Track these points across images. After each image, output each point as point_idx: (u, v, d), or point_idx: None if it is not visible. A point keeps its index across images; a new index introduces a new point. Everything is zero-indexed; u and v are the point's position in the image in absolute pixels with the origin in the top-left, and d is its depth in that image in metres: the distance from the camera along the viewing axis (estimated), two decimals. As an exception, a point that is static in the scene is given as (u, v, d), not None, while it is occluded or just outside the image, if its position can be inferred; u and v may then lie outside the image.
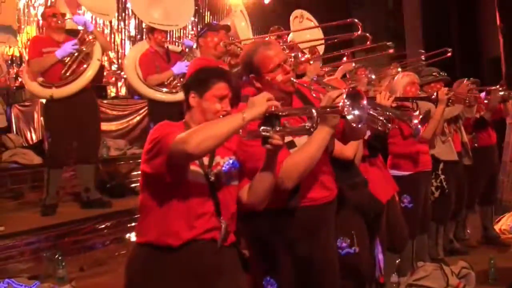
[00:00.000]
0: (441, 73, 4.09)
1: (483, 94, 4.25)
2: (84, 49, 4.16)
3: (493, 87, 4.44)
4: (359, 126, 1.68)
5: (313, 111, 1.63)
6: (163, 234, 1.78)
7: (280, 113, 1.68)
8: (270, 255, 2.08)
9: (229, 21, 5.01)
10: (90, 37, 4.17)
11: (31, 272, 3.40)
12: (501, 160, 5.25)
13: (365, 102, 1.68)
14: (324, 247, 2.17)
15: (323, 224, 2.15)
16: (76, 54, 4.13)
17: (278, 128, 1.66)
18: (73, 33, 4.40)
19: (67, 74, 4.13)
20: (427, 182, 3.63)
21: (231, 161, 1.92)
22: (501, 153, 4.81)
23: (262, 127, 1.66)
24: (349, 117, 1.65)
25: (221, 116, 1.83)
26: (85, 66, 4.19)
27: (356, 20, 2.85)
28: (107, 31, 7.58)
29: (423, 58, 4.69)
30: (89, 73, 4.22)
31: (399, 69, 4.07)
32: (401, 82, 3.46)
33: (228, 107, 1.87)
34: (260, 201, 1.90)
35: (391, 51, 3.94)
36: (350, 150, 2.48)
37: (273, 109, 1.67)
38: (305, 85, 2.17)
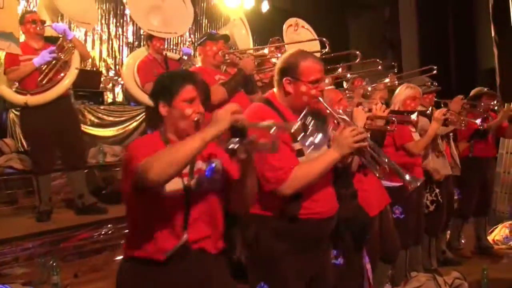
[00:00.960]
0: (433, 83, 4.13)
1: (479, 121, 4.21)
2: (62, 57, 4.10)
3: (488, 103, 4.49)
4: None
5: (273, 129, 1.63)
6: (148, 249, 1.77)
7: (246, 127, 1.65)
8: (268, 261, 2.10)
9: (227, 30, 5.06)
10: (69, 45, 4.11)
11: (25, 278, 3.39)
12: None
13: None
14: (322, 260, 2.23)
15: (324, 237, 2.21)
16: (53, 61, 4.06)
17: (244, 142, 1.65)
18: (51, 40, 4.32)
19: (44, 81, 4.06)
20: (419, 193, 3.65)
21: (213, 165, 1.88)
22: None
23: (230, 140, 1.65)
24: (308, 140, 1.73)
25: (195, 119, 1.80)
26: (62, 74, 4.14)
27: (324, 39, 2.86)
28: (104, 37, 7.61)
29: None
30: (66, 81, 4.17)
31: (396, 82, 4.09)
32: (403, 94, 3.48)
33: (199, 108, 1.83)
34: (243, 207, 1.94)
35: (379, 67, 3.98)
36: None
37: (238, 123, 1.63)
38: (328, 108, 2.16)
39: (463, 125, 3.69)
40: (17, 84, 4.14)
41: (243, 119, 1.65)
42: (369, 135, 2.08)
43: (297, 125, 1.71)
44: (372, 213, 2.92)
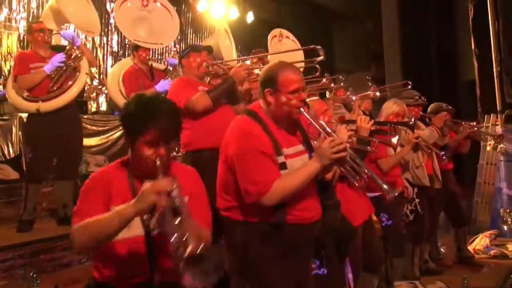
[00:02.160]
0: (421, 97, 4.23)
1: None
2: (71, 63, 4.17)
3: (469, 123, 4.60)
4: None
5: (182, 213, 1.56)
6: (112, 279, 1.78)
7: (177, 206, 1.57)
8: (254, 266, 2.13)
9: (212, 41, 5.09)
10: (77, 52, 4.17)
11: (5, 290, 3.34)
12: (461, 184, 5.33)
13: None
14: (305, 268, 2.27)
15: (309, 243, 2.25)
16: (64, 68, 4.13)
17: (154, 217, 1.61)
18: (57, 49, 4.39)
19: (55, 88, 4.12)
20: (401, 202, 3.70)
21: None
22: (457, 177, 4.92)
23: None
24: None
25: (157, 162, 1.73)
26: (71, 81, 4.19)
27: (318, 47, 2.90)
28: (89, 45, 7.58)
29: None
30: (76, 87, 4.23)
31: (378, 93, 4.16)
32: (390, 109, 3.57)
33: (161, 151, 1.75)
34: None
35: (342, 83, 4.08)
36: None
37: (168, 200, 1.57)
38: (310, 118, 2.19)
39: (428, 152, 3.88)
40: (26, 92, 4.14)
41: (166, 200, 1.58)
42: (348, 146, 2.09)
43: None
44: (355, 223, 2.95)
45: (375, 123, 3.09)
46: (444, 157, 4.15)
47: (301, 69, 4.80)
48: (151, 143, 1.74)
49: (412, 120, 3.45)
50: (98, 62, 7.68)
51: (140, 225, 1.76)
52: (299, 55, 4.75)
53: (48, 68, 4.05)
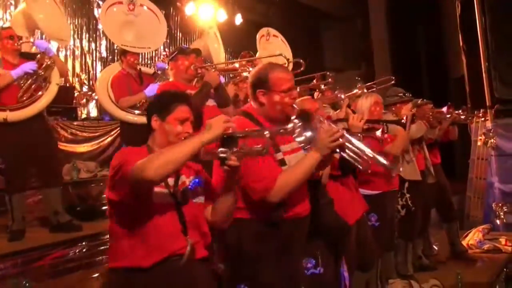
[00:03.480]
0: (406, 94, 4.22)
1: (445, 109, 4.40)
2: (42, 73, 4.05)
3: (456, 112, 4.62)
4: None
5: (266, 133, 1.76)
6: (134, 257, 1.80)
7: (237, 135, 1.76)
8: (250, 264, 2.13)
9: (202, 43, 5.09)
10: (49, 61, 4.06)
11: (-3, 300, 3.31)
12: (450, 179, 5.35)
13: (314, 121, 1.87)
14: (297, 266, 2.28)
15: (302, 238, 2.26)
16: (34, 77, 4.01)
17: (234, 150, 1.74)
18: (27, 56, 4.25)
19: (24, 98, 3.99)
20: (393, 200, 3.72)
21: (196, 180, 2.00)
22: (449, 172, 4.94)
23: (219, 149, 1.75)
24: (300, 138, 1.84)
25: (183, 138, 1.87)
26: (41, 91, 4.07)
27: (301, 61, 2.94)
28: (77, 52, 7.55)
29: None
30: (46, 98, 4.12)
31: (365, 90, 4.18)
32: (366, 103, 3.56)
33: (189, 129, 1.93)
34: (223, 220, 2.00)
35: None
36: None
37: (230, 131, 1.74)
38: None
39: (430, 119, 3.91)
40: None
41: (234, 127, 1.76)
42: (344, 133, 2.11)
43: (291, 125, 1.82)
44: (349, 221, 2.96)
45: (368, 121, 3.11)
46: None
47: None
48: (182, 120, 1.92)
49: (405, 118, 3.47)
50: (87, 68, 7.65)
51: (168, 196, 1.87)
52: (287, 53, 4.75)
53: (15, 72, 3.91)
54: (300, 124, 1.83)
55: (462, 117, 4.73)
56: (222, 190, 1.92)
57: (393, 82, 4.33)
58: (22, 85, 4.00)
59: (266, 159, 2.05)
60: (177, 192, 1.89)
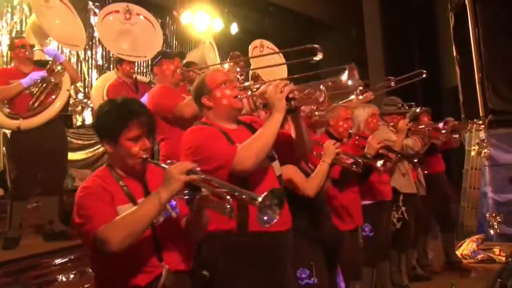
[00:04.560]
0: (403, 104, 4.24)
1: (441, 124, 4.41)
2: (52, 79, 4.10)
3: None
4: None
5: (229, 203, 1.63)
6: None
7: (199, 185, 1.66)
8: (225, 278, 2.07)
9: (198, 53, 5.11)
10: (59, 68, 4.11)
11: (-10, 310, 3.28)
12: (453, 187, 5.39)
13: None
14: (282, 281, 2.17)
15: (282, 254, 2.16)
16: (44, 84, 4.06)
17: (196, 197, 1.69)
18: (41, 63, 4.32)
19: (35, 105, 4.05)
20: (387, 211, 3.73)
21: (173, 208, 1.88)
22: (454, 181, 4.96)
23: (185, 196, 1.69)
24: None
25: (143, 156, 1.78)
26: (53, 97, 4.13)
27: (316, 46, 2.90)
28: (73, 60, 7.55)
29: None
30: (58, 104, 4.17)
31: (360, 97, 4.19)
32: (363, 114, 3.59)
33: (146, 144, 1.80)
34: (196, 235, 1.94)
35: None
36: (312, 189, 2.57)
37: (192, 177, 1.63)
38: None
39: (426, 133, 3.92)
40: (8, 109, 4.08)
41: (195, 179, 1.64)
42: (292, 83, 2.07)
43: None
44: (345, 227, 2.97)
45: (385, 148, 3.21)
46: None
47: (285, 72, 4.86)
48: (135, 138, 1.77)
49: (418, 158, 3.55)
50: (82, 75, 7.65)
51: None
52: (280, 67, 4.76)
53: (25, 81, 3.97)
54: None
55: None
56: (189, 218, 1.86)
57: (393, 83, 4.31)
58: (34, 92, 4.05)
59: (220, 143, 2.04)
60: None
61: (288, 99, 1.99)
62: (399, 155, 3.37)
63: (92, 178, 1.84)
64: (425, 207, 4.40)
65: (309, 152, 2.39)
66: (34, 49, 4.23)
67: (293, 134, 2.20)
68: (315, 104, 2.67)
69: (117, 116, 1.79)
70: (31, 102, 4.04)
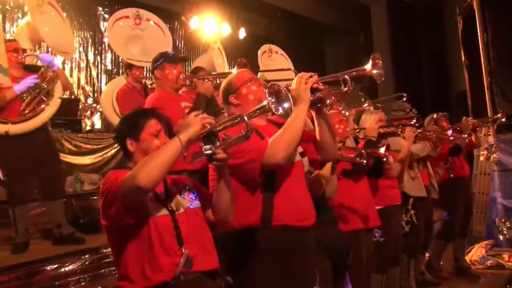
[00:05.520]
0: (412, 110, 4.24)
1: (450, 132, 4.40)
2: (45, 86, 4.03)
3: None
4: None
5: (244, 117, 1.74)
6: (148, 277, 1.80)
7: (215, 129, 1.77)
8: (251, 275, 2.08)
9: (206, 58, 5.14)
10: (52, 75, 4.04)
11: (0, 313, 3.31)
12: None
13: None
14: (304, 280, 2.18)
15: (304, 251, 2.16)
16: (37, 90, 3.99)
17: (218, 144, 1.76)
18: (31, 69, 4.25)
19: (26, 111, 3.98)
20: (397, 215, 3.72)
21: (187, 187, 2.02)
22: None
23: (203, 147, 1.76)
24: (279, 112, 1.83)
25: None
26: (44, 104, 4.06)
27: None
28: (83, 64, 7.62)
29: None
30: (48, 112, 4.11)
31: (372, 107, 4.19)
32: (370, 119, 3.60)
33: (166, 139, 1.93)
34: (225, 215, 2.00)
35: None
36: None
37: (207, 126, 1.76)
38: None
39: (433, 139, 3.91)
40: None
41: (211, 121, 1.78)
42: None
43: (265, 102, 1.83)
44: (346, 228, 2.95)
45: (382, 126, 3.32)
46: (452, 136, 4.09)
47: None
48: (155, 133, 1.94)
49: (415, 119, 3.55)
50: (92, 80, 7.71)
51: (163, 208, 1.88)
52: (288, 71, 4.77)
53: (18, 88, 3.89)
54: (273, 100, 1.82)
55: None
56: (217, 185, 1.93)
57: (404, 99, 4.33)
58: (25, 98, 3.98)
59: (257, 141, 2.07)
60: (169, 203, 1.91)
61: (312, 90, 2.02)
62: (399, 125, 3.39)
63: (114, 171, 1.93)
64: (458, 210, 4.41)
65: (335, 155, 2.37)
66: (25, 54, 4.17)
67: (317, 133, 2.20)
68: (340, 95, 2.64)
69: (139, 115, 2.01)
70: (22, 107, 3.97)
